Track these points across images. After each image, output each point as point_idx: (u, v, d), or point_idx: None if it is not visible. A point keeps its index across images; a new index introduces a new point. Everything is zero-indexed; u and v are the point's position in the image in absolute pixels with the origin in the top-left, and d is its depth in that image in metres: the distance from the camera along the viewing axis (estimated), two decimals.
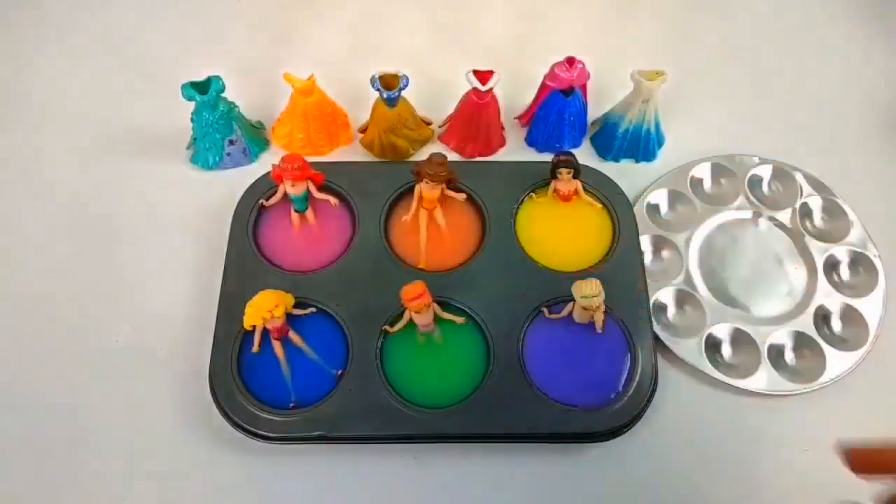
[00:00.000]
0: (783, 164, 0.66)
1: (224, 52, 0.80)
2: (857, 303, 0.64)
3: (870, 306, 0.64)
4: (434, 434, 0.57)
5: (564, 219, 0.67)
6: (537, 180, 0.68)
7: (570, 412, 0.58)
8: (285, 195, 0.65)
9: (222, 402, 0.58)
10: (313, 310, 0.62)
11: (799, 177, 0.65)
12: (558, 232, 0.67)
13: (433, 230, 0.66)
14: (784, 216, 0.65)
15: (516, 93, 0.74)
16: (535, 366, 0.60)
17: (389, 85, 0.66)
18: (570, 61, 0.68)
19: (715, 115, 0.72)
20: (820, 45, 0.76)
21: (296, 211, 0.66)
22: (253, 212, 0.66)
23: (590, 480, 0.58)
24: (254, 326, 0.59)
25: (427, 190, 0.64)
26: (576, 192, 0.67)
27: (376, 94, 0.66)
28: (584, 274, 0.61)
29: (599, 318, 0.60)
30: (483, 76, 0.66)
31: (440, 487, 0.58)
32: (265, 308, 0.56)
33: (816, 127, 0.69)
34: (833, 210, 0.66)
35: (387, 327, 0.61)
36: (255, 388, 0.59)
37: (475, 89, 0.67)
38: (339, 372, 0.59)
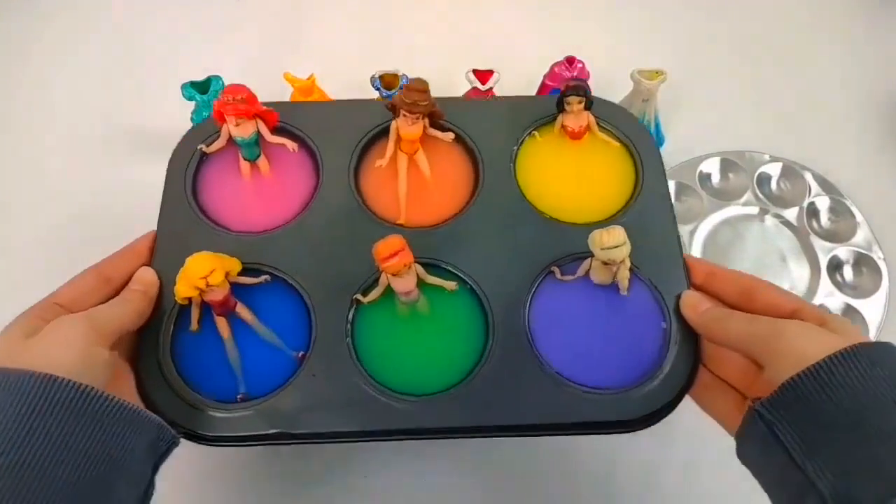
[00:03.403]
0: (793, 163, 0.66)
1: (224, 52, 0.80)
2: (858, 304, 0.64)
3: (871, 308, 0.64)
4: (419, 428, 0.45)
5: (575, 160, 0.55)
6: (541, 117, 0.56)
7: (592, 396, 0.46)
8: (230, 139, 0.52)
9: (150, 394, 0.46)
10: (267, 278, 0.49)
11: (808, 176, 0.65)
12: (568, 176, 0.55)
13: (415, 178, 0.54)
14: (790, 214, 0.66)
15: (516, 93, 0.65)
16: (546, 340, 0.48)
17: (390, 84, 0.65)
18: (570, 61, 0.68)
19: (725, 113, 0.73)
20: (836, 45, 0.75)
21: (245, 159, 0.53)
22: (192, 162, 0.54)
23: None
24: (189, 300, 0.47)
25: (406, 126, 0.51)
26: (588, 127, 0.55)
27: (376, 93, 0.65)
28: (601, 226, 0.48)
29: (624, 276, 0.48)
30: (483, 76, 0.67)
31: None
32: (197, 275, 0.44)
33: (828, 127, 0.69)
34: (840, 211, 0.66)
35: (359, 296, 0.48)
36: (193, 375, 0.47)
37: (475, 88, 0.66)
38: (301, 354, 0.47)
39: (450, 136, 0.54)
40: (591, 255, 0.48)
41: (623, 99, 0.68)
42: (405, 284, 0.47)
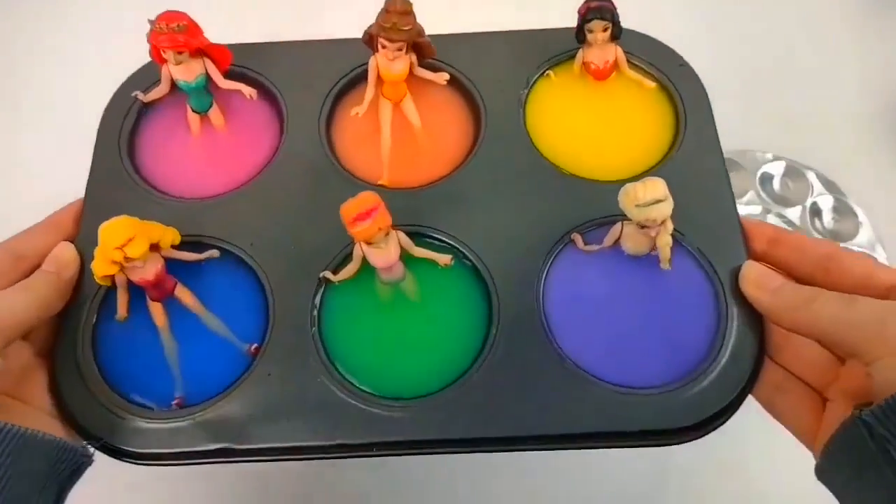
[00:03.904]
0: (795, 162, 0.64)
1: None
2: None
3: None
4: (404, 441, 0.35)
5: (600, 105, 0.45)
6: (557, 53, 0.46)
7: (627, 399, 0.36)
8: (174, 85, 0.43)
9: (64, 399, 0.36)
10: (214, 253, 0.40)
11: (811, 175, 0.64)
12: (591, 124, 0.44)
13: (401, 130, 0.43)
14: (793, 214, 0.63)
15: None
16: (566, 326, 0.38)
17: None
18: None
19: (727, 111, 0.62)
20: (840, 45, 0.73)
21: (193, 110, 0.43)
22: (129, 116, 0.44)
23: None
24: (112, 280, 0.37)
25: (387, 63, 0.41)
26: (615, 63, 0.44)
27: None
28: (633, 182, 0.38)
29: (666, 244, 0.37)
30: None
31: None
32: (111, 244, 0.34)
33: (831, 126, 0.68)
34: (843, 210, 0.64)
35: (328, 274, 0.38)
36: (119, 375, 0.37)
37: None
38: (254, 347, 0.37)
39: (444, 76, 0.43)
40: (621, 217, 0.38)
41: None
42: (385, 257, 0.37)
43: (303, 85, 0.45)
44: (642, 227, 0.36)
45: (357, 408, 0.36)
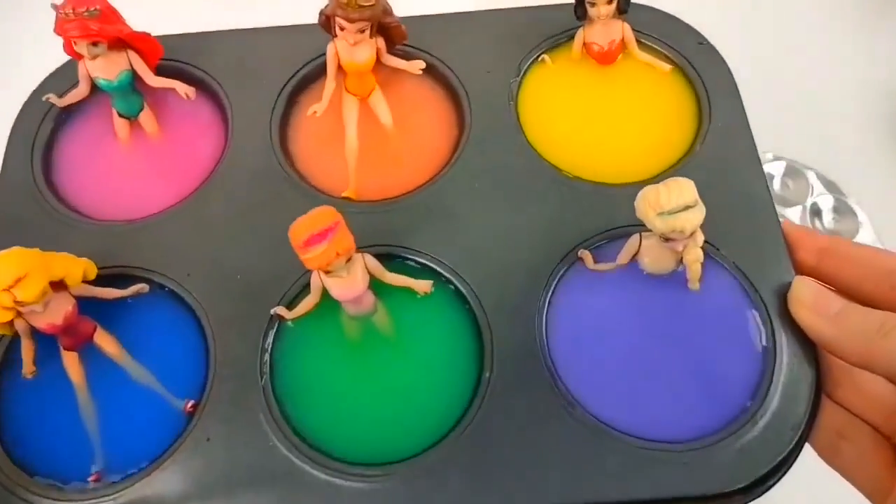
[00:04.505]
0: (795, 162, 0.64)
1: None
2: None
3: None
4: None
5: (605, 93, 0.38)
6: (553, 33, 0.39)
7: (656, 455, 0.28)
8: (94, 85, 0.35)
9: None
10: (143, 287, 0.32)
11: (811, 175, 0.63)
12: (597, 116, 0.37)
13: (370, 130, 0.36)
14: (793, 214, 0.63)
15: None
16: (577, 366, 0.31)
17: None
18: None
19: None
20: (841, 45, 0.71)
21: (120, 115, 0.36)
22: (45, 124, 0.37)
23: None
24: (12, 325, 0.30)
25: (348, 48, 0.34)
26: (623, 43, 0.37)
27: None
28: (650, 183, 0.30)
29: (695, 259, 0.30)
30: None
31: None
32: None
33: (831, 126, 0.66)
34: (843, 210, 0.63)
35: (280, 310, 0.31)
36: (24, 445, 0.30)
37: None
38: (191, 404, 0.30)
39: (418, 65, 0.36)
40: (639, 228, 0.31)
41: None
42: (348, 288, 0.30)
43: (251, 81, 0.37)
44: (666, 239, 0.29)
45: (320, 479, 0.28)
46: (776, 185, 0.64)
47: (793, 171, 0.64)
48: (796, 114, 0.66)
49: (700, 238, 0.30)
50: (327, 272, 0.28)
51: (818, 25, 0.72)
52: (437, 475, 0.28)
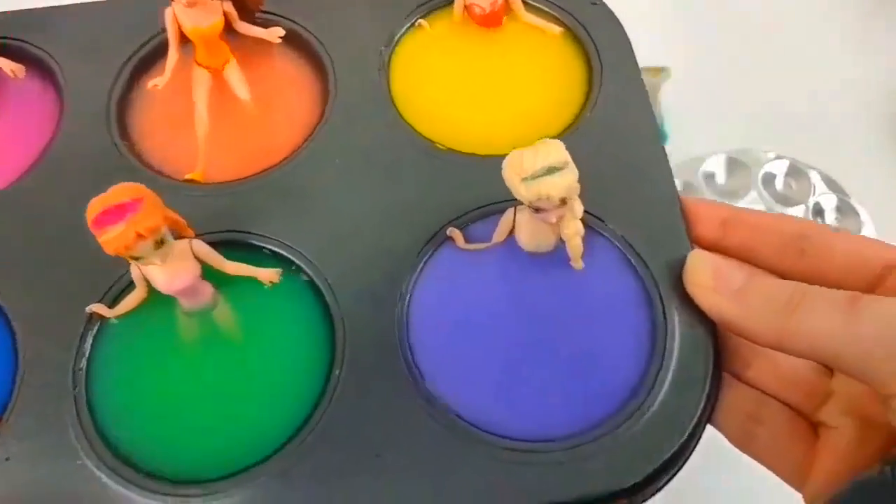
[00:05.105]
0: (798, 162, 0.64)
1: None
2: None
3: None
4: None
5: (489, 59, 0.34)
6: None
7: (531, 457, 0.24)
8: None
9: None
10: None
11: (813, 175, 0.64)
12: (479, 85, 0.34)
13: (226, 107, 0.33)
14: (796, 213, 0.63)
15: None
16: (442, 361, 0.27)
17: None
18: None
19: (729, 111, 0.68)
20: (844, 44, 0.72)
21: None
22: None
23: None
24: None
25: (184, 11, 0.30)
26: (508, 4, 0.34)
27: None
28: None
29: (573, 234, 0.26)
30: None
31: None
32: None
33: (834, 126, 0.67)
34: (846, 210, 0.64)
35: (97, 307, 0.27)
36: None
37: None
38: None
39: (277, 32, 0.32)
40: (514, 202, 0.27)
41: None
42: (171, 278, 0.26)
43: (91, 58, 0.33)
44: (537, 210, 0.26)
45: (135, 501, 0.24)
46: (779, 185, 0.65)
47: (795, 171, 0.65)
48: (799, 113, 0.66)
49: (579, 209, 0.26)
50: (135, 259, 0.24)
51: (821, 25, 0.73)
52: (269, 490, 0.24)
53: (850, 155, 0.66)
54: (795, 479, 0.26)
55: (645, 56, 0.57)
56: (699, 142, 0.66)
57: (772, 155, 0.66)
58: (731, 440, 0.27)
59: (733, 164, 0.68)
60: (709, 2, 0.75)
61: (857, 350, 0.22)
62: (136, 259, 0.24)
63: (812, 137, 0.65)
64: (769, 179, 0.66)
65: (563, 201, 0.25)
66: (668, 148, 0.61)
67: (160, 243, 0.24)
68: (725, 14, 0.74)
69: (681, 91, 0.65)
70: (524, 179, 0.25)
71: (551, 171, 0.24)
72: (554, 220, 0.26)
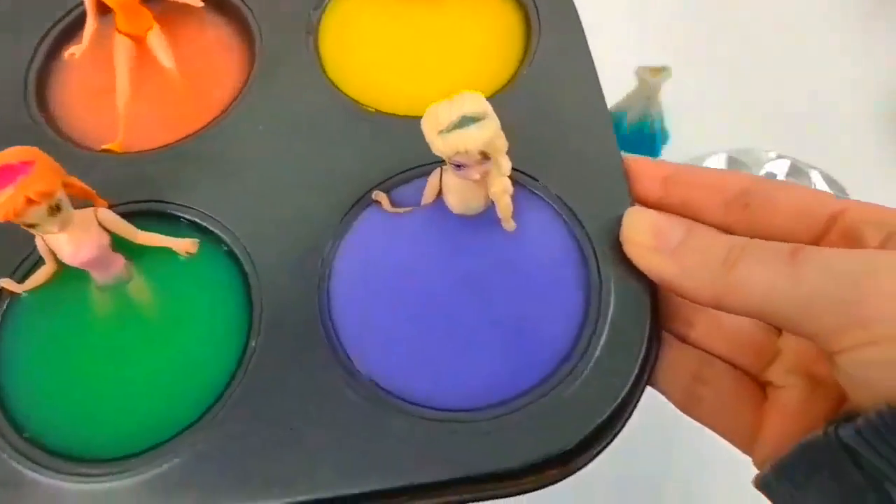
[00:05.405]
0: (799, 161, 0.64)
1: None
2: None
3: None
4: None
5: (420, 20, 0.33)
6: None
7: (457, 427, 0.23)
8: None
9: None
10: None
11: (814, 175, 0.64)
12: (412, 44, 0.32)
13: (149, 75, 0.31)
14: None
15: None
16: (364, 330, 0.25)
17: None
18: None
19: (729, 110, 0.68)
20: (845, 44, 0.72)
21: None
22: None
23: None
24: None
25: None
26: None
27: None
28: None
29: (501, 192, 0.25)
30: None
31: None
32: None
33: (835, 126, 0.67)
34: None
35: (5, 283, 0.26)
36: None
37: None
38: None
39: None
40: (441, 162, 0.25)
41: (626, 97, 0.60)
42: (75, 248, 0.24)
43: (5, 27, 0.32)
44: (458, 166, 0.24)
45: (44, 485, 0.23)
46: None
47: (796, 171, 0.65)
48: (800, 113, 0.67)
49: (506, 165, 0.25)
50: (29, 226, 0.23)
51: (822, 24, 0.73)
52: (181, 466, 0.23)
53: (851, 154, 0.66)
54: (744, 443, 0.25)
55: (645, 56, 0.58)
56: (699, 142, 0.65)
57: (772, 155, 0.66)
58: (675, 403, 0.26)
59: (734, 164, 0.68)
60: (709, 2, 0.75)
61: (798, 305, 0.21)
62: (31, 227, 0.23)
63: (812, 137, 0.65)
64: (770, 178, 0.65)
65: (485, 155, 0.24)
66: (668, 148, 0.64)
67: (55, 209, 0.23)
68: (725, 14, 0.74)
69: (681, 91, 0.64)
70: (440, 132, 0.23)
71: (467, 121, 0.23)
72: (477, 176, 0.25)
